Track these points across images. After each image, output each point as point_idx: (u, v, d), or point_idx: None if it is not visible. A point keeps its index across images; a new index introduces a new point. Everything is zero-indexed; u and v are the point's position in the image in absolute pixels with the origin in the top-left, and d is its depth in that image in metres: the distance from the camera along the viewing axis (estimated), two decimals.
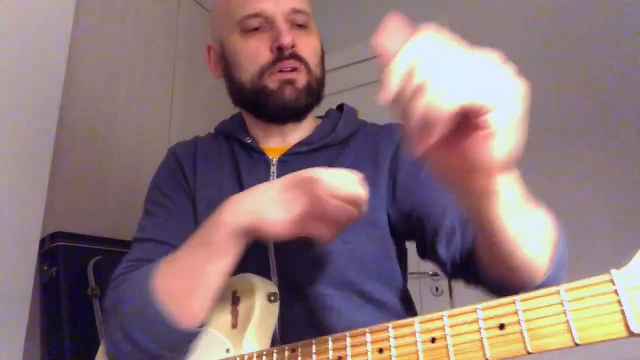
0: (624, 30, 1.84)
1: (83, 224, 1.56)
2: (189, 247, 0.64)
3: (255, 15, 0.78)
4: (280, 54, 0.77)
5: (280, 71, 0.78)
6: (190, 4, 2.19)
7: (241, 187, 0.81)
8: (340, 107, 0.94)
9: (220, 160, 0.88)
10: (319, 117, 0.94)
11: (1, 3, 1.24)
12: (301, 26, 0.81)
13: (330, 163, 0.81)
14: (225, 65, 0.85)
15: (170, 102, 2.01)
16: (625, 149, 1.76)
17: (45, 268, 1.42)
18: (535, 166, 1.92)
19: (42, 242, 1.41)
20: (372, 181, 0.77)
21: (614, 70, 1.83)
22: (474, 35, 2.35)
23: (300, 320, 0.72)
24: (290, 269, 0.74)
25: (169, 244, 0.76)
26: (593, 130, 1.83)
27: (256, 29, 0.79)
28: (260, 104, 0.80)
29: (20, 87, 1.27)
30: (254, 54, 0.79)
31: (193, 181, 0.87)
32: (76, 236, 1.47)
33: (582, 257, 1.70)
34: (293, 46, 0.78)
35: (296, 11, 0.80)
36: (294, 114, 0.81)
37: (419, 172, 0.78)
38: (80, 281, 1.42)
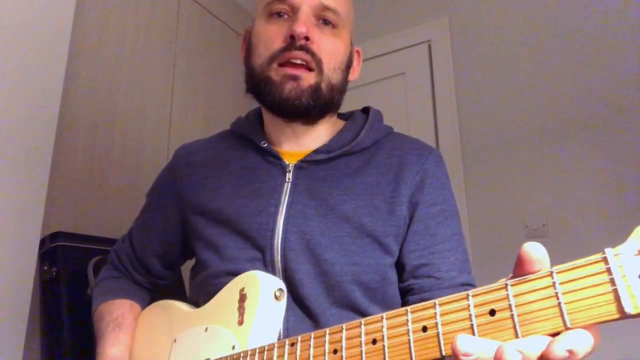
0: (624, 29, 1.82)
1: (83, 224, 1.56)
2: (100, 325, 0.86)
3: (282, 1, 0.76)
4: (292, 43, 0.74)
5: (287, 65, 0.75)
6: (190, 4, 2.19)
7: (254, 193, 0.79)
8: (366, 110, 0.90)
9: (232, 165, 0.85)
10: (342, 115, 0.91)
11: (1, 3, 1.24)
12: (329, 24, 0.78)
13: (350, 177, 0.79)
14: (247, 47, 0.83)
15: (170, 102, 2.01)
16: (622, 148, 1.75)
17: (45, 268, 1.41)
18: (536, 164, 1.91)
19: (42, 242, 1.40)
20: (389, 205, 0.76)
21: (614, 69, 1.82)
22: (474, 35, 2.36)
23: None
24: (298, 285, 0.73)
25: (135, 253, 0.95)
26: (593, 129, 1.82)
27: (281, 15, 0.76)
28: (261, 93, 0.77)
29: (20, 87, 1.27)
30: (269, 40, 0.76)
31: (190, 191, 0.86)
32: (76, 236, 1.47)
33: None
34: (307, 38, 0.74)
35: (325, 8, 0.76)
36: (293, 112, 0.77)
37: (438, 215, 0.78)
38: (80, 281, 1.41)
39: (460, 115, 2.13)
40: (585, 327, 0.32)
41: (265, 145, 0.82)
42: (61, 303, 1.37)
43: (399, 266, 0.78)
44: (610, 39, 1.85)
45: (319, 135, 0.83)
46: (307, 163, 0.80)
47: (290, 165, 0.80)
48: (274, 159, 0.82)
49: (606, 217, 1.72)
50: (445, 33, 2.24)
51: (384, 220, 0.75)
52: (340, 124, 0.87)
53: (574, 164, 1.83)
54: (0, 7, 1.24)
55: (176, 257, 0.96)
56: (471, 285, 0.75)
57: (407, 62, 2.34)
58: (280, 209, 0.76)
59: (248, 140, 0.86)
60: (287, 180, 0.79)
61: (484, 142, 2.05)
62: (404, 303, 0.77)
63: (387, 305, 0.76)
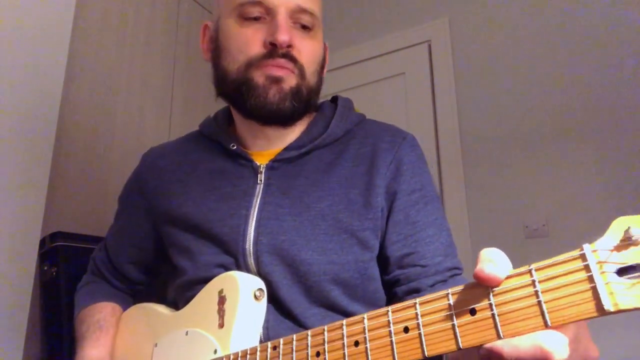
0: (624, 29, 1.82)
1: (83, 224, 1.56)
2: (81, 328, 0.84)
3: (257, 3, 0.72)
4: (273, 50, 0.71)
5: (269, 66, 0.72)
6: (190, 4, 2.19)
7: (224, 197, 0.77)
8: (335, 100, 0.87)
9: (201, 169, 0.83)
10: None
11: (1, 3, 1.25)
12: (305, 27, 0.75)
13: (323, 171, 0.77)
14: (215, 48, 0.79)
15: (170, 102, 2.01)
16: (622, 148, 1.74)
17: (45, 268, 1.41)
18: (536, 164, 1.90)
19: (42, 242, 1.41)
20: (365, 198, 0.74)
21: (613, 70, 1.81)
22: (474, 35, 2.35)
23: (285, 335, 0.71)
24: (274, 287, 0.71)
25: (111, 260, 0.94)
26: (593, 129, 1.81)
27: (255, 18, 0.73)
28: (241, 97, 0.74)
29: (20, 87, 1.28)
30: (245, 44, 0.73)
31: (158, 197, 0.84)
32: (76, 236, 1.47)
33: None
34: (289, 46, 0.72)
35: (303, 10, 0.73)
36: (275, 117, 0.74)
37: (417, 202, 0.76)
38: (80, 281, 1.41)
39: (460, 115, 2.13)
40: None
41: (235, 147, 0.80)
42: (61, 303, 1.37)
43: (383, 259, 0.75)
44: (610, 39, 1.84)
45: (291, 132, 0.81)
46: (279, 162, 0.78)
47: (262, 166, 0.77)
48: (245, 161, 0.79)
49: (606, 217, 1.71)
50: (445, 33, 2.23)
51: (360, 214, 0.73)
52: (309, 117, 0.85)
53: (574, 164, 1.83)
54: (0, 7, 1.24)
55: (152, 262, 0.93)
56: (457, 269, 0.73)
57: (407, 62, 2.33)
58: (252, 211, 0.74)
59: (217, 142, 0.84)
60: (259, 181, 0.76)
61: (484, 143, 2.05)
62: (392, 295, 0.75)
63: (368, 302, 0.75)
